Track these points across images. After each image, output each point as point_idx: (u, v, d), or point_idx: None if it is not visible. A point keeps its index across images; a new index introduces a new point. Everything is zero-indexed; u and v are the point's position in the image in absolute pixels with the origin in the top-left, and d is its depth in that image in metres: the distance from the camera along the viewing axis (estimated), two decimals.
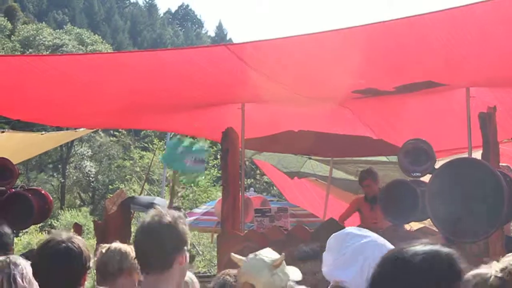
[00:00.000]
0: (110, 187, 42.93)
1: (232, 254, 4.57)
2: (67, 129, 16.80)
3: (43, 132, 13.85)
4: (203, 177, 27.66)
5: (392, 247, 3.81)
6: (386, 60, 8.67)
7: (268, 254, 4.45)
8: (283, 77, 9.37)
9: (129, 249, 5.13)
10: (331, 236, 3.98)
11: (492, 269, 3.20)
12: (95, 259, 5.15)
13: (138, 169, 43.38)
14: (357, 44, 8.23)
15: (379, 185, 10.90)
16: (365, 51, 8.40)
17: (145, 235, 3.61)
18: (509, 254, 3.28)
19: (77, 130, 14.64)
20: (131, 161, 44.59)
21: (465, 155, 9.73)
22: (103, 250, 5.18)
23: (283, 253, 4.44)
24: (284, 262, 4.42)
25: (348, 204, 12.21)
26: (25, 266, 4.00)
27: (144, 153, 42.31)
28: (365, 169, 11.70)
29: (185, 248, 3.66)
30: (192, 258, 4.71)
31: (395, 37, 7.97)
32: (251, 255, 4.45)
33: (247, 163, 20.23)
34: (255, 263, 4.34)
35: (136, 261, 3.86)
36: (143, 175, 42.94)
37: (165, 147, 26.11)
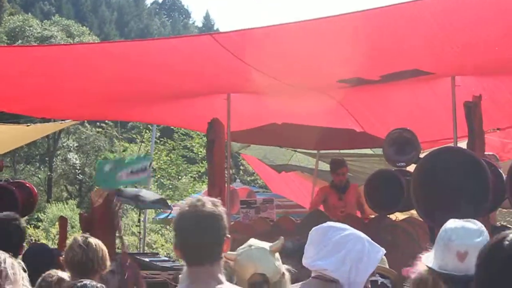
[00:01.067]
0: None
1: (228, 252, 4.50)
2: (54, 120, 16.75)
3: (29, 124, 13.80)
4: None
5: (371, 241, 3.82)
6: (371, 48, 8.63)
7: (260, 242, 4.42)
8: (268, 66, 9.33)
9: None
10: (313, 229, 3.95)
11: None
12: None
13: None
14: (343, 32, 8.20)
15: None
16: (350, 40, 8.38)
17: (195, 225, 3.40)
18: None
19: (62, 121, 14.59)
20: (114, 154, 44.60)
21: (451, 145, 9.73)
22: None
23: (282, 237, 4.40)
24: None
25: None
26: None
27: (127, 145, 42.22)
28: (338, 158, 11.74)
29: (228, 236, 3.50)
30: None
31: (381, 25, 7.94)
32: (245, 247, 4.39)
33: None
34: (257, 253, 4.29)
35: None
36: None
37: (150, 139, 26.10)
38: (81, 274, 4.98)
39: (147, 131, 35.85)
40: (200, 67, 9.44)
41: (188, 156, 36.78)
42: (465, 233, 3.63)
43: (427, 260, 3.81)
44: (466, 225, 3.70)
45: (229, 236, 3.52)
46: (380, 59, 9.01)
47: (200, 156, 36.39)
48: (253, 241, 4.42)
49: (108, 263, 5.29)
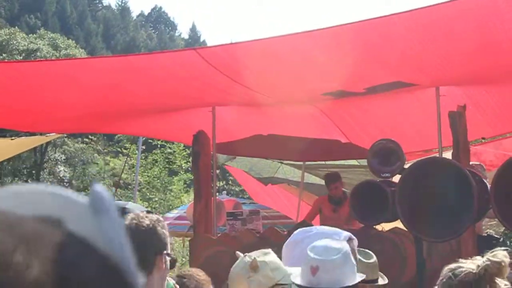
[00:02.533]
0: (87, 191, 42.77)
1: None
2: (41, 134, 16.73)
3: (14, 138, 13.76)
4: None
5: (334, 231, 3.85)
6: (355, 62, 8.66)
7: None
8: (252, 81, 9.35)
9: None
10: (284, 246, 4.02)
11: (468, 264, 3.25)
12: None
13: (104, 175, 43.38)
14: (326, 46, 8.23)
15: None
16: (333, 53, 8.42)
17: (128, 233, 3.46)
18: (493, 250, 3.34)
19: (47, 134, 14.56)
20: (97, 168, 44.63)
21: (436, 155, 9.75)
22: None
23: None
24: None
25: None
26: None
27: (110, 159, 42.31)
28: (333, 172, 11.77)
29: (164, 252, 3.58)
30: (173, 262, 4.65)
31: (362, 38, 7.98)
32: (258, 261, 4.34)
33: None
34: (270, 263, 4.27)
35: None
36: (110, 181, 42.90)
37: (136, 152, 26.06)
38: None
39: (131, 144, 35.97)
40: (185, 81, 9.45)
41: (171, 168, 36.78)
42: (323, 250, 3.76)
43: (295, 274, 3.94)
44: (329, 243, 3.84)
45: (166, 252, 3.59)
46: (364, 72, 9.04)
47: (183, 168, 36.42)
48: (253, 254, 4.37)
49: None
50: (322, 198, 11.64)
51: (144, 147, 32.22)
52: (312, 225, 9.78)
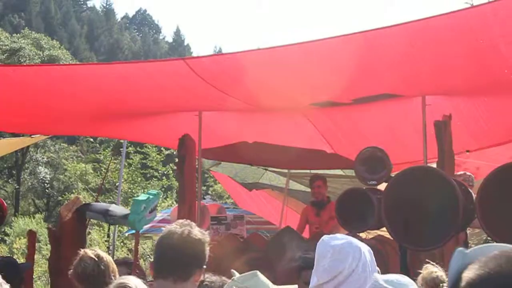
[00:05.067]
0: (64, 195, 42.63)
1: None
2: (23, 135, 16.65)
3: None
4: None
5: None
6: (343, 73, 8.70)
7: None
8: (239, 92, 9.38)
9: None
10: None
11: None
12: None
13: (72, 178, 43.41)
14: (315, 58, 8.26)
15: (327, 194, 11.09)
16: (322, 65, 8.44)
17: (176, 245, 3.71)
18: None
19: (32, 136, 14.50)
20: (66, 173, 44.65)
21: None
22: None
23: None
24: None
25: None
26: None
27: (78, 164, 42.65)
28: (316, 173, 11.82)
29: (203, 267, 3.79)
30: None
31: (351, 50, 8.00)
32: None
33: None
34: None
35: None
36: (83, 185, 42.83)
37: (119, 166, 26.04)
38: (93, 286, 4.97)
39: (108, 148, 35.95)
40: (172, 91, 9.46)
41: (145, 173, 36.75)
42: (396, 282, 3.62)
43: None
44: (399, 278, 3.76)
45: (204, 268, 3.79)
46: (352, 84, 9.07)
47: (160, 172, 36.39)
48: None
49: (116, 277, 5.25)
50: (306, 207, 11.67)
51: (112, 152, 32.22)
52: (298, 233, 9.84)
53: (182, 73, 8.59)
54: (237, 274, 4.32)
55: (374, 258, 3.73)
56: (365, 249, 3.70)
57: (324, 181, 11.27)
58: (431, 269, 4.38)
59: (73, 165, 47.09)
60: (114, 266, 5.24)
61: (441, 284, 4.21)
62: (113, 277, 5.11)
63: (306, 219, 11.32)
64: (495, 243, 1.82)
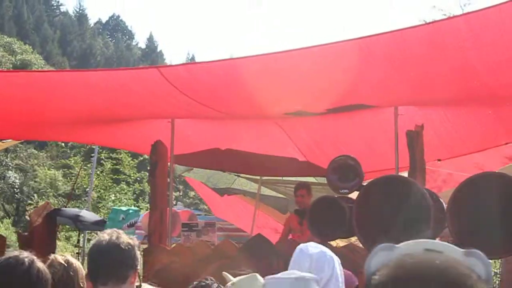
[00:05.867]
0: (32, 199, 42.35)
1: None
2: None
3: None
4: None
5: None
6: (316, 83, 8.73)
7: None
8: (213, 101, 9.39)
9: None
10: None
11: None
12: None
13: (41, 184, 43.25)
14: (288, 68, 8.28)
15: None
16: (296, 76, 8.46)
17: (108, 249, 3.82)
18: None
19: (3, 141, 14.40)
20: (36, 179, 44.45)
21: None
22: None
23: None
24: None
25: (276, 220, 12.23)
26: None
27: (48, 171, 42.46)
28: (300, 181, 11.79)
29: (137, 270, 3.93)
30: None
31: (324, 61, 8.02)
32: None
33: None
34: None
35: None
36: (52, 191, 42.62)
37: (90, 171, 25.94)
38: None
39: (79, 154, 35.80)
40: (144, 98, 9.44)
41: (118, 179, 36.64)
42: None
43: None
44: None
45: (138, 271, 3.96)
46: (325, 94, 9.11)
47: (132, 178, 36.32)
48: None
49: (85, 284, 5.21)
50: (290, 216, 11.59)
51: (83, 157, 32.13)
52: (269, 241, 9.83)
53: (155, 81, 8.58)
54: (231, 278, 4.32)
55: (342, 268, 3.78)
56: (336, 260, 3.74)
57: (309, 190, 11.20)
58: None
59: (44, 171, 46.85)
60: (83, 272, 5.20)
61: None
62: (82, 284, 5.08)
63: (289, 227, 11.26)
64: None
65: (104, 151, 34.15)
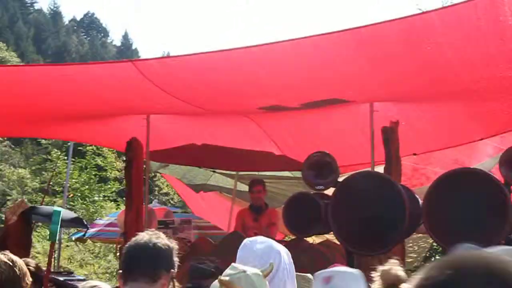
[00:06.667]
0: (9, 197, 42.06)
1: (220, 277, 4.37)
2: None
3: None
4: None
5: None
6: (291, 78, 8.73)
7: (248, 267, 4.32)
8: (188, 94, 9.35)
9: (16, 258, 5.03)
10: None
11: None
12: None
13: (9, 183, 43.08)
14: (263, 62, 8.28)
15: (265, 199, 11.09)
16: (270, 69, 8.46)
17: (145, 246, 3.78)
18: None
19: None
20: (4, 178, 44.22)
21: (369, 169, 9.85)
22: None
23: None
24: None
25: None
26: None
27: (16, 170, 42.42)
28: (256, 178, 11.79)
29: (172, 273, 3.83)
30: None
31: (299, 55, 8.02)
32: (237, 272, 4.26)
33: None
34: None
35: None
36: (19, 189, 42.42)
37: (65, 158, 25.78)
38: None
39: (57, 149, 35.48)
40: (119, 92, 9.41)
41: (101, 176, 36.39)
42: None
43: None
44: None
45: (173, 275, 3.83)
46: (300, 89, 9.11)
47: (113, 175, 36.13)
48: (241, 266, 4.30)
49: (30, 279, 5.15)
50: (243, 210, 11.59)
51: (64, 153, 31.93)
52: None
53: (130, 75, 8.54)
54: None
55: (292, 261, 3.76)
56: (284, 252, 3.72)
57: (264, 186, 11.22)
58: (392, 266, 4.40)
59: (10, 171, 46.56)
60: (26, 269, 5.13)
61: (400, 285, 4.24)
62: (28, 281, 5.02)
63: (242, 222, 11.24)
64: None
65: (89, 147, 33.98)
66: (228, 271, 4.23)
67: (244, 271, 4.25)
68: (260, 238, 3.85)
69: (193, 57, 8.41)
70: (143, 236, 3.84)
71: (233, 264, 4.23)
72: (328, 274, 3.84)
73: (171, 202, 35.98)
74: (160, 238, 3.84)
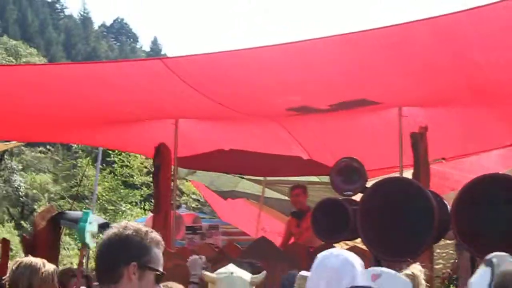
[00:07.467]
0: (39, 203, 42.34)
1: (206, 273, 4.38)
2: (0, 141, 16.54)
3: None
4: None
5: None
6: (321, 77, 8.69)
7: (241, 271, 4.32)
8: (216, 92, 9.33)
9: (41, 263, 5.02)
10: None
11: None
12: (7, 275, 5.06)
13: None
14: (293, 60, 8.24)
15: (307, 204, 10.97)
16: (300, 68, 8.42)
17: (98, 246, 3.33)
18: None
19: (6, 142, 14.39)
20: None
21: (397, 174, 9.79)
22: (14, 267, 5.05)
23: (264, 272, 4.31)
24: None
25: (281, 222, 12.16)
26: None
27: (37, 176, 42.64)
28: (297, 183, 11.74)
29: (134, 263, 3.25)
30: (158, 277, 4.43)
31: (329, 54, 7.99)
32: (226, 272, 4.27)
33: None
34: (238, 282, 4.19)
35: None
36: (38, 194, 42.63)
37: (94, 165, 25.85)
38: None
39: (88, 155, 35.69)
40: (148, 91, 9.40)
41: (128, 182, 36.53)
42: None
43: None
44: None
45: (139, 263, 3.28)
46: (329, 89, 9.07)
47: (140, 181, 36.24)
48: (234, 268, 4.32)
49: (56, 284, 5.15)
50: (289, 220, 11.48)
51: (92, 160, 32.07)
52: (273, 244, 9.78)
53: (159, 72, 8.55)
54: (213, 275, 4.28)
55: (363, 270, 3.73)
56: (357, 263, 3.68)
57: (304, 190, 11.13)
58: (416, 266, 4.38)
59: (32, 176, 46.84)
60: (52, 273, 5.11)
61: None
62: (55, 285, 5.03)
63: (290, 232, 11.15)
64: None
65: (117, 154, 34.08)
66: (220, 269, 4.24)
67: (232, 273, 4.25)
68: (336, 252, 3.80)
69: (221, 54, 8.39)
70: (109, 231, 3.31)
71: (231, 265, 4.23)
72: (377, 272, 3.77)
73: (199, 207, 36.15)
74: (128, 227, 3.32)
